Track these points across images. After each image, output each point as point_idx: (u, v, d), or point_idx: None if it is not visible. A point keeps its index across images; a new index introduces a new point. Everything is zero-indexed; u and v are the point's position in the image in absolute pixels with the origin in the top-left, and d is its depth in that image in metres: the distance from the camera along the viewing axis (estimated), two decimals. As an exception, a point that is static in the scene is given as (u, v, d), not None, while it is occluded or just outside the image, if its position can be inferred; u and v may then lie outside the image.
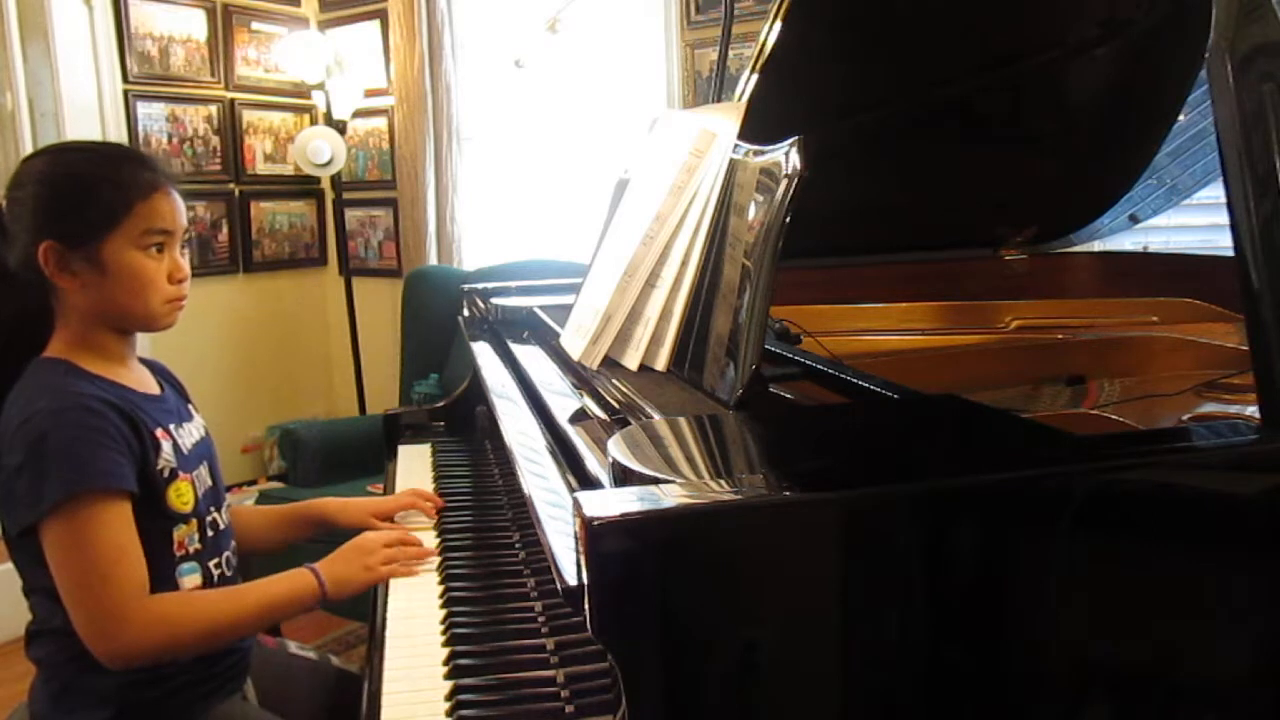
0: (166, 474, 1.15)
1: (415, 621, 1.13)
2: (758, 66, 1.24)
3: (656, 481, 0.66)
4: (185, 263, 1.19)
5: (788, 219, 0.88)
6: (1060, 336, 1.46)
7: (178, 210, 1.16)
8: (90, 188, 1.12)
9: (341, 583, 1.20)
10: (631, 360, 1.08)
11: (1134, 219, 1.71)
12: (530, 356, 1.38)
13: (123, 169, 1.14)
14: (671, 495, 0.64)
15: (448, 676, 1.01)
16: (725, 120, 1.08)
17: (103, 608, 1.05)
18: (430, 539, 1.34)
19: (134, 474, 1.10)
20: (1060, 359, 1.35)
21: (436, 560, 1.28)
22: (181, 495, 1.16)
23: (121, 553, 1.07)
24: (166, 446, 1.16)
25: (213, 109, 3.39)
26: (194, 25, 3.32)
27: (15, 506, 1.07)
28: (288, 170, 3.61)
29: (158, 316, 1.16)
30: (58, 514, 1.05)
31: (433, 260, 3.34)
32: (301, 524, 1.44)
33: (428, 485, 1.57)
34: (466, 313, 1.87)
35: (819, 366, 1.03)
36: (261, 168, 3.56)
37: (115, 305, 1.14)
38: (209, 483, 1.23)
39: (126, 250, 1.12)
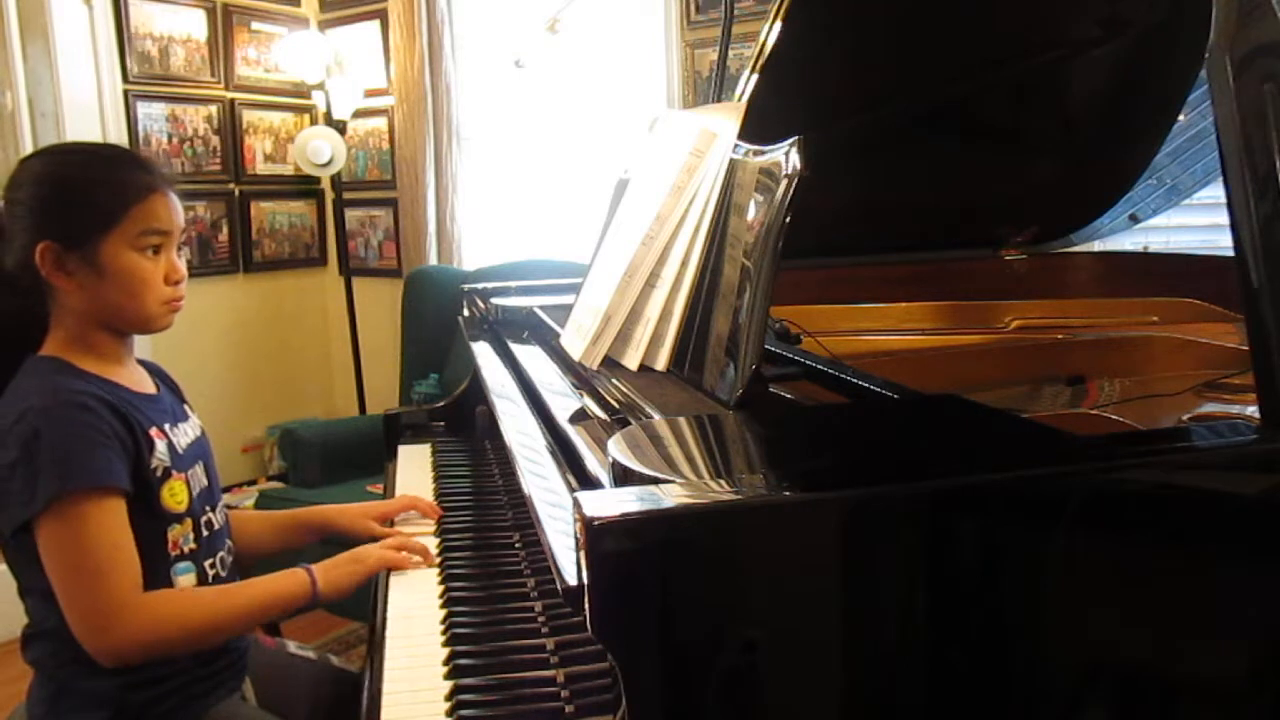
0: (160, 473, 1.15)
1: (415, 621, 1.13)
2: (758, 66, 1.24)
3: (656, 481, 0.66)
4: (182, 264, 1.18)
5: (788, 219, 0.88)
6: (1060, 336, 1.46)
7: (175, 212, 1.16)
8: (87, 189, 1.12)
9: (335, 584, 1.20)
10: (631, 360, 1.08)
11: (1134, 219, 1.71)
12: (530, 356, 1.38)
13: (120, 170, 1.14)
14: (671, 495, 0.64)
15: (448, 676, 1.01)
16: (725, 120, 1.08)
17: (97, 605, 1.06)
18: (430, 539, 1.34)
19: (128, 472, 1.10)
20: (1060, 359, 1.35)
21: (436, 560, 1.27)
22: (175, 495, 1.16)
23: (115, 550, 1.07)
24: (161, 446, 1.16)
25: (213, 109, 3.39)
26: (194, 25, 3.32)
27: (9, 504, 1.07)
28: (288, 170, 3.61)
29: (154, 318, 1.16)
30: (51, 511, 1.05)
31: (433, 260, 3.34)
32: (302, 530, 1.44)
33: (428, 485, 1.57)
34: (466, 313, 1.87)
35: (819, 366, 1.03)
36: (261, 168, 3.56)
37: (111, 306, 1.14)
38: (204, 482, 1.23)
39: (123, 251, 1.12)
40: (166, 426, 1.19)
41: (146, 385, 1.23)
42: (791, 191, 0.89)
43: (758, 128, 1.05)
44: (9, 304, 1.16)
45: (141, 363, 1.26)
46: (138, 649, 1.08)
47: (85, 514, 1.05)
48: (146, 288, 1.14)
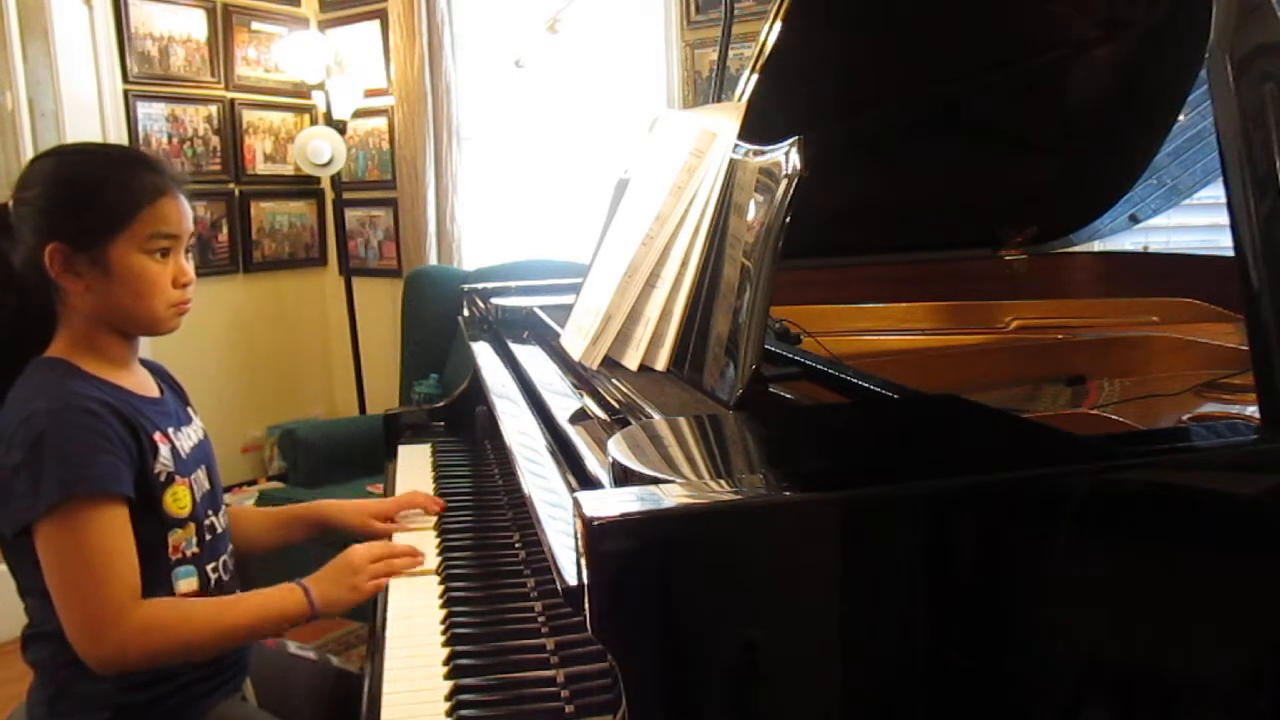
0: (163, 478, 1.15)
1: (415, 621, 1.13)
2: (758, 66, 1.24)
3: (656, 481, 0.66)
4: (190, 267, 1.19)
5: (788, 219, 0.88)
6: (1060, 336, 1.46)
7: (184, 214, 1.16)
8: (97, 190, 1.12)
9: (330, 603, 1.18)
10: (631, 360, 1.08)
11: (1134, 219, 1.71)
12: (530, 356, 1.38)
13: (130, 172, 1.14)
14: (671, 495, 0.64)
15: (448, 676, 1.01)
16: (725, 120, 1.08)
17: (93, 612, 1.05)
18: (430, 539, 1.34)
19: (131, 478, 1.10)
20: (1060, 359, 1.35)
21: (436, 560, 1.27)
22: (178, 500, 1.16)
23: (114, 556, 1.06)
24: (164, 450, 1.15)
25: (213, 109, 3.39)
26: (194, 25, 3.32)
27: (12, 507, 1.07)
28: (288, 170, 3.61)
29: (161, 320, 1.16)
30: (52, 516, 1.05)
31: (433, 260, 3.34)
32: (300, 526, 1.43)
33: (428, 485, 1.57)
34: (466, 313, 1.87)
35: (819, 366, 1.03)
36: (261, 168, 3.56)
37: (119, 308, 1.14)
38: (207, 486, 1.23)
39: (132, 253, 1.12)
40: (170, 431, 1.19)
41: (150, 388, 1.22)
42: (791, 191, 0.89)
43: (758, 128, 1.05)
44: (16, 304, 1.16)
45: (144, 363, 1.26)
46: (130, 657, 1.07)
47: (86, 520, 1.05)
48: (155, 290, 1.14)
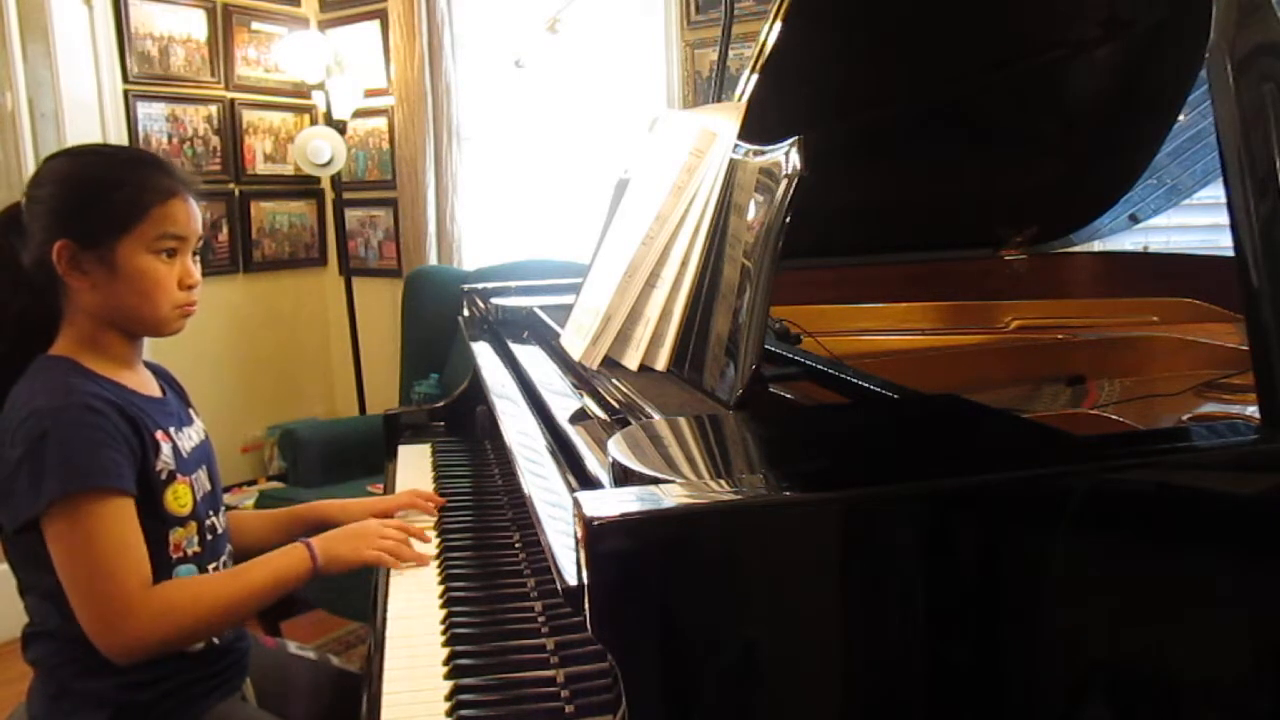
0: (165, 476, 1.15)
1: (415, 621, 1.13)
2: (758, 66, 1.24)
3: (656, 481, 0.66)
4: (197, 270, 1.19)
5: (788, 219, 0.88)
6: (1060, 336, 1.46)
7: (193, 217, 1.17)
8: (108, 190, 1.13)
9: (333, 557, 1.21)
10: (631, 360, 1.08)
11: (1134, 219, 1.71)
12: (530, 356, 1.38)
13: (141, 173, 1.15)
14: (671, 495, 0.64)
15: (448, 676, 1.01)
16: (725, 120, 1.08)
17: (108, 603, 1.06)
18: (431, 539, 1.34)
19: (133, 474, 1.10)
20: (1060, 359, 1.35)
21: (436, 560, 1.28)
22: (179, 498, 1.17)
23: (123, 548, 1.07)
24: (166, 449, 1.16)
25: (213, 109, 3.39)
26: (194, 25, 3.32)
27: (14, 502, 1.07)
28: (288, 170, 3.61)
29: (166, 321, 1.17)
30: (58, 511, 1.05)
31: (433, 260, 3.34)
32: (301, 527, 1.43)
33: (428, 485, 1.57)
34: (466, 313, 1.87)
35: (819, 366, 1.03)
36: (261, 168, 3.56)
37: (124, 307, 1.15)
38: (207, 486, 1.23)
39: (139, 253, 1.13)
40: (172, 430, 1.19)
41: (153, 388, 1.23)
42: (791, 191, 0.89)
43: (758, 128, 1.05)
44: (23, 302, 1.17)
45: (147, 365, 1.27)
46: (151, 643, 1.08)
47: (91, 514, 1.06)
48: (160, 290, 1.15)
